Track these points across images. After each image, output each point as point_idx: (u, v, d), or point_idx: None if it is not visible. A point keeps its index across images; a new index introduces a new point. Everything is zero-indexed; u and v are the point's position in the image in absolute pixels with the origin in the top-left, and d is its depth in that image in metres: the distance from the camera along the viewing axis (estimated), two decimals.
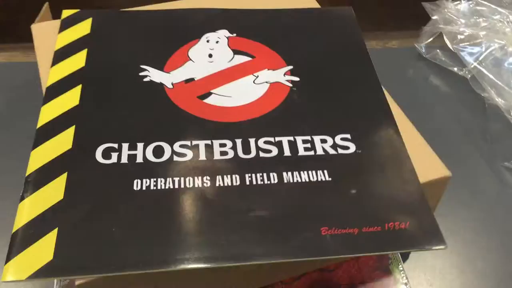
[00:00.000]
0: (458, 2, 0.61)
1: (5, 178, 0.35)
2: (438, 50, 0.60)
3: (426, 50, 0.61)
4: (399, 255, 0.40)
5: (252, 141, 0.36)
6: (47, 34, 0.44)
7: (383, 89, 0.41)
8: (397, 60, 0.61)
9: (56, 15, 0.47)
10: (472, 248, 0.43)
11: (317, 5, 0.50)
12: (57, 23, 0.45)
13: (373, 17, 0.68)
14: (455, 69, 0.58)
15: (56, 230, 0.30)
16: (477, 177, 0.48)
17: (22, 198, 0.31)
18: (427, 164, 0.36)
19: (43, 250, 0.29)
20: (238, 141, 0.36)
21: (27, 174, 0.33)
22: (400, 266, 0.40)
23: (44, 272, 0.28)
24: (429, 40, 0.60)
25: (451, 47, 0.58)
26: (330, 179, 0.34)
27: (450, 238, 0.43)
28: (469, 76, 0.56)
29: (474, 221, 0.45)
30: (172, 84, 0.40)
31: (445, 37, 0.59)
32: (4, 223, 0.32)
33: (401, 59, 0.61)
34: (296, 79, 0.41)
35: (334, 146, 0.36)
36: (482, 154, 0.50)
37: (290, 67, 0.42)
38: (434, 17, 0.60)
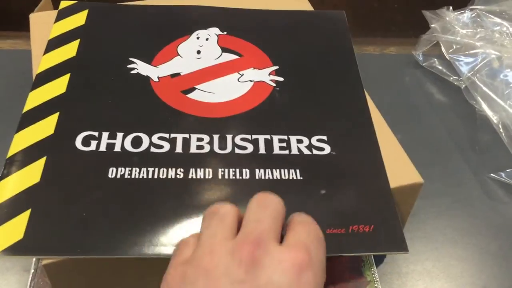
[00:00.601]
0: (460, 12, 0.61)
1: None
2: (435, 59, 0.60)
3: (423, 58, 0.61)
4: (372, 258, 0.41)
5: (229, 137, 0.36)
6: (43, 24, 0.45)
7: (366, 93, 0.41)
8: (394, 67, 0.61)
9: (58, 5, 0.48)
10: (447, 257, 0.43)
11: (310, 8, 0.51)
12: (55, 13, 0.46)
13: (373, 22, 0.69)
14: (451, 78, 0.58)
15: (29, 211, 0.31)
16: (462, 186, 0.48)
17: (0, 178, 0.33)
18: (400, 170, 0.36)
19: (15, 229, 0.30)
20: (216, 137, 0.36)
21: (8, 156, 0.34)
22: (372, 269, 0.40)
23: (13, 250, 0.29)
24: (427, 48, 0.60)
25: (447, 56, 0.58)
26: (301, 178, 0.34)
27: (427, 245, 0.43)
28: (463, 86, 0.56)
29: (453, 229, 0.45)
30: (158, 77, 0.41)
31: (441, 46, 0.59)
32: None
33: (398, 66, 0.61)
34: (281, 79, 0.41)
35: (310, 146, 0.36)
36: (469, 164, 0.50)
37: (276, 67, 0.42)
38: (433, 25, 0.60)
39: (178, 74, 0.41)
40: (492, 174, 0.49)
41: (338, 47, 0.45)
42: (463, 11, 0.61)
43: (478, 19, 0.61)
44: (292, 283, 0.23)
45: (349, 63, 0.44)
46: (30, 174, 0.33)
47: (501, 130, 0.51)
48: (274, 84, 0.41)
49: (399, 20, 0.72)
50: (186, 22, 0.46)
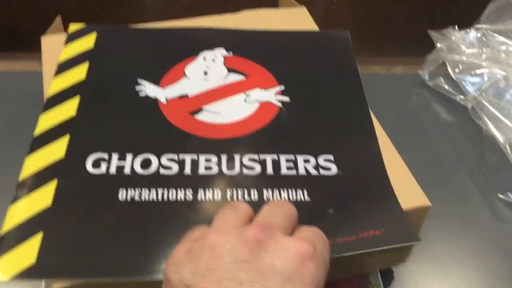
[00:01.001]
0: (465, 31, 0.63)
1: (4, 180, 0.38)
2: (441, 78, 0.62)
3: (429, 78, 0.62)
4: (380, 281, 0.42)
5: (237, 157, 0.38)
6: (55, 47, 0.47)
7: (371, 113, 0.43)
8: (400, 86, 0.63)
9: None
10: (456, 279, 0.44)
11: (315, 27, 0.52)
12: (65, 36, 0.48)
13: (379, 42, 0.71)
14: (457, 98, 0.60)
15: (41, 234, 0.32)
16: (469, 207, 0.49)
17: (12, 201, 0.34)
18: (407, 193, 0.37)
19: (27, 253, 0.31)
20: (223, 157, 0.38)
21: (19, 179, 0.35)
22: None
23: (26, 274, 0.30)
24: (433, 68, 0.62)
25: (453, 76, 0.59)
26: (309, 199, 0.35)
27: (434, 266, 0.44)
28: (470, 106, 0.58)
29: (461, 251, 0.46)
30: (166, 99, 0.42)
31: (448, 66, 0.60)
32: None
33: (404, 85, 0.63)
34: (287, 99, 0.43)
35: (317, 166, 0.38)
36: (476, 185, 0.51)
37: (282, 87, 0.44)
38: (439, 45, 0.62)
39: (185, 96, 0.43)
40: (499, 195, 0.50)
41: (342, 67, 0.47)
42: (469, 30, 0.63)
43: (484, 39, 0.62)
44: (293, 271, 0.24)
45: (354, 82, 0.45)
46: (42, 198, 0.34)
47: (508, 150, 0.52)
48: (280, 104, 0.42)
49: (406, 36, 0.74)
50: (192, 44, 0.48)
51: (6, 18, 0.77)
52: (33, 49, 0.52)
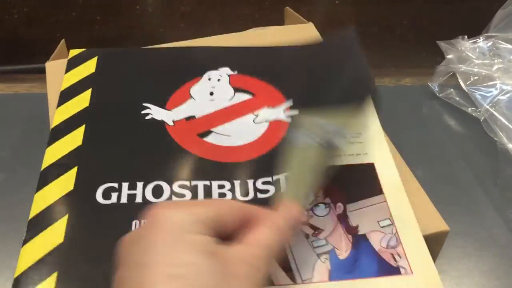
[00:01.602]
0: (475, 40, 0.63)
1: (15, 214, 0.38)
2: (451, 90, 0.62)
3: (439, 89, 0.63)
4: None
5: (250, 182, 0.38)
6: (59, 72, 0.47)
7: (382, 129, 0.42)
8: (410, 98, 0.63)
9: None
10: None
11: (316, 32, 0.53)
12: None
13: (387, 54, 0.71)
14: (469, 109, 0.60)
15: (55, 274, 0.32)
16: (485, 224, 0.50)
17: (24, 242, 0.34)
18: (425, 217, 0.37)
19: None
20: (237, 183, 0.38)
21: (29, 218, 0.35)
22: None
23: None
24: (443, 79, 0.62)
25: (464, 88, 0.60)
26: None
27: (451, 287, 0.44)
28: (482, 118, 0.58)
29: (479, 271, 0.46)
30: (173, 121, 0.43)
31: (458, 77, 0.61)
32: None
33: (414, 97, 0.63)
34: (296, 113, 0.43)
35: None
36: (492, 200, 0.51)
37: (290, 102, 0.44)
38: (449, 56, 0.62)
39: (193, 117, 0.43)
40: None
41: (350, 69, 0.45)
42: (478, 39, 0.63)
43: (494, 48, 0.63)
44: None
45: (364, 81, 0.43)
46: (54, 235, 0.34)
47: None
48: (290, 120, 0.43)
49: (411, 38, 0.74)
50: (196, 64, 0.48)
51: (6, 29, 0.78)
52: (34, 61, 0.52)
